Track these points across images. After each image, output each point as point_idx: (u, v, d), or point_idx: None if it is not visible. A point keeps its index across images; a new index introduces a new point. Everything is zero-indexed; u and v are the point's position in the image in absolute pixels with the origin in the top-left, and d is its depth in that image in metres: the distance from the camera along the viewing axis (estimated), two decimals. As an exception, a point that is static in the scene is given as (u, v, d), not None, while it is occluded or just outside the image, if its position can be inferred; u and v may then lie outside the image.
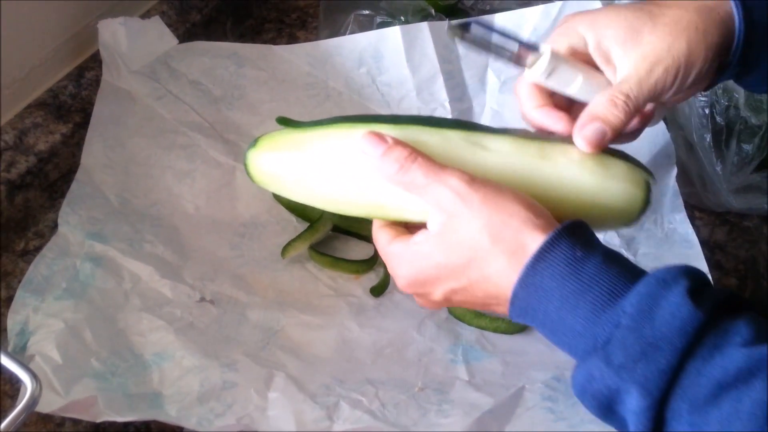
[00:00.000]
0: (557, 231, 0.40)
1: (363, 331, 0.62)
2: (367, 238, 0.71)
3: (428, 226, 0.44)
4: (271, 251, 0.69)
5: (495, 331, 0.62)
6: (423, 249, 0.44)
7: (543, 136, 0.49)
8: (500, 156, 0.46)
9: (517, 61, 0.47)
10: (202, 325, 0.60)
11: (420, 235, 0.44)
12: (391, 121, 0.47)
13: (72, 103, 0.74)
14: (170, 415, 0.52)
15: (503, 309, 0.42)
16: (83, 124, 0.71)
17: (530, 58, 0.47)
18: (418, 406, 0.54)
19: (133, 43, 0.74)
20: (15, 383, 0.59)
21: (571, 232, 0.40)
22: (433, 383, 0.57)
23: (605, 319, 0.37)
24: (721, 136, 0.67)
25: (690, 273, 0.37)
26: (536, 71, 0.47)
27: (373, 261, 0.69)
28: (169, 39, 0.76)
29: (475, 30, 0.46)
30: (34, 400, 0.41)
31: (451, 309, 0.64)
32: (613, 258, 0.40)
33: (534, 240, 0.40)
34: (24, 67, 0.71)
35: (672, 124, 0.70)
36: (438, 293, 0.45)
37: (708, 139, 0.68)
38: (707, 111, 0.67)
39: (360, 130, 0.46)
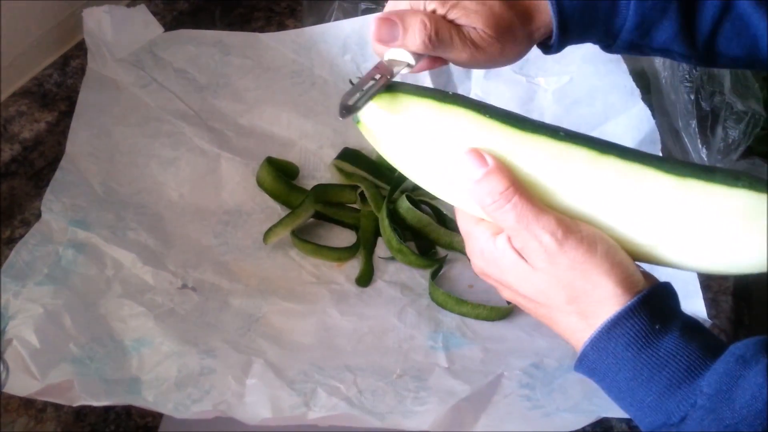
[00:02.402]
0: (638, 300, 0.38)
1: (344, 318, 0.62)
2: (350, 226, 0.71)
3: (510, 246, 0.41)
4: (255, 239, 0.69)
5: (477, 317, 0.62)
6: (500, 259, 0.41)
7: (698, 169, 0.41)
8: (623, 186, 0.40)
9: (390, 75, 0.45)
10: (183, 311, 0.61)
11: (501, 243, 0.41)
12: (519, 126, 0.41)
13: (57, 91, 0.74)
14: (147, 400, 0.52)
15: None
16: (68, 113, 0.71)
17: (395, 69, 0.45)
18: (395, 393, 0.54)
19: (119, 31, 0.74)
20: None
21: (653, 299, 0.38)
22: (412, 370, 0.57)
23: (680, 396, 0.36)
24: (707, 122, 0.67)
25: None
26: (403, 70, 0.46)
27: (356, 248, 0.69)
28: (154, 27, 0.76)
29: (350, 99, 0.43)
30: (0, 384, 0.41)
31: (433, 296, 0.64)
32: (692, 330, 0.38)
33: (609, 311, 0.38)
34: (9, 55, 0.71)
35: (657, 110, 0.69)
36: (504, 294, 0.44)
37: (693, 125, 0.67)
38: (692, 97, 0.67)
39: (488, 124, 0.41)
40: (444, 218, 0.71)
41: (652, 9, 0.46)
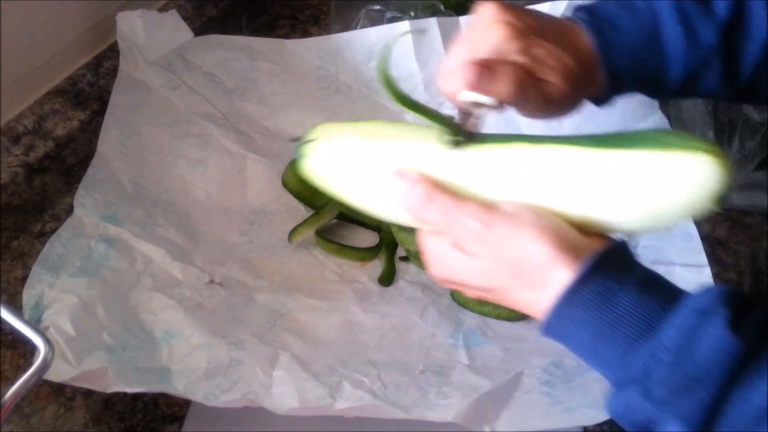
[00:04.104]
0: (590, 264, 0.39)
1: (367, 316, 0.64)
2: (373, 227, 0.73)
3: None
4: (280, 238, 0.71)
5: (498, 317, 0.63)
6: (448, 260, 0.44)
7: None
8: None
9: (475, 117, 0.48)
10: (211, 305, 0.62)
11: (446, 246, 0.44)
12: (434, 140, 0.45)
13: (90, 91, 0.76)
14: (178, 389, 0.54)
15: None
16: (100, 112, 0.73)
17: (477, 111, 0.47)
18: (419, 387, 0.55)
19: (150, 35, 0.76)
20: (29, 357, 0.61)
21: (605, 260, 0.40)
22: (434, 366, 0.58)
23: (642, 351, 0.37)
24: (724, 133, 0.68)
25: (729, 299, 0.37)
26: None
27: (378, 249, 0.70)
28: (185, 32, 0.78)
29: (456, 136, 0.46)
30: (46, 364, 0.42)
31: (454, 295, 0.65)
32: (648, 284, 0.39)
33: (556, 277, 0.40)
34: (44, 55, 0.74)
35: (675, 120, 0.71)
36: (468, 294, 0.46)
37: (710, 136, 0.69)
38: (710, 108, 0.68)
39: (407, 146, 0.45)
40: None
41: (697, 62, 0.49)
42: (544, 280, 0.40)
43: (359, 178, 0.46)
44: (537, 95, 0.47)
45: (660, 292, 0.39)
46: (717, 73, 0.50)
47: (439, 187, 0.44)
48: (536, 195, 0.43)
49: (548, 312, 0.40)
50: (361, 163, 0.46)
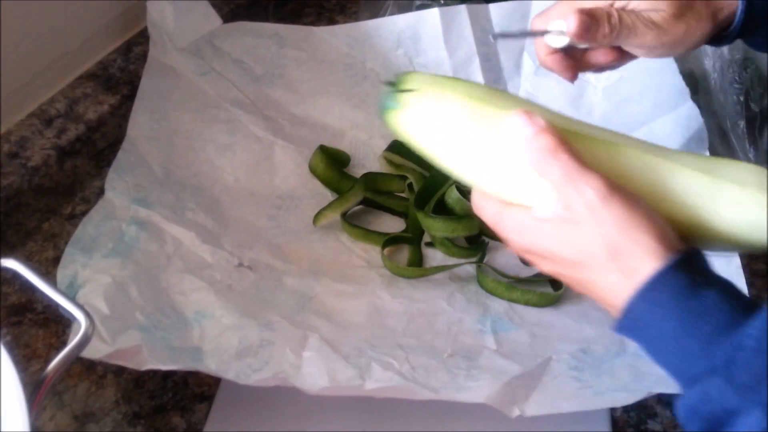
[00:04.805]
0: (684, 255, 0.40)
1: (394, 301, 0.64)
2: (399, 213, 0.73)
3: (551, 209, 0.43)
4: (307, 223, 0.71)
5: (526, 303, 0.63)
6: (540, 228, 0.44)
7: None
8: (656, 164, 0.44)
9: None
10: (241, 288, 0.63)
11: (541, 212, 0.44)
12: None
13: (120, 75, 0.77)
14: (210, 368, 0.54)
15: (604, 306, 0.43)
16: (130, 96, 0.74)
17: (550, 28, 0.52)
18: (447, 370, 0.55)
19: (180, 21, 0.76)
20: (62, 335, 0.62)
21: (695, 259, 0.40)
22: (462, 351, 0.58)
23: (727, 342, 0.37)
24: (755, 123, 0.68)
25: None
26: (556, 43, 0.52)
27: (404, 234, 0.70)
28: (213, 19, 0.79)
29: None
30: (87, 338, 0.43)
31: (482, 283, 0.66)
32: (732, 288, 0.40)
33: (650, 266, 0.40)
34: (76, 39, 0.75)
35: (705, 110, 0.71)
36: (545, 268, 0.46)
37: (741, 126, 0.68)
38: (741, 98, 0.68)
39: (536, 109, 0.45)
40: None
41: None
42: (637, 269, 0.40)
43: (458, 138, 0.45)
44: (642, 25, 0.49)
45: (744, 297, 0.39)
46: None
47: (566, 144, 0.42)
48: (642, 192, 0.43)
49: (632, 296, 0.39)
50: (464, 124, 0.44)
